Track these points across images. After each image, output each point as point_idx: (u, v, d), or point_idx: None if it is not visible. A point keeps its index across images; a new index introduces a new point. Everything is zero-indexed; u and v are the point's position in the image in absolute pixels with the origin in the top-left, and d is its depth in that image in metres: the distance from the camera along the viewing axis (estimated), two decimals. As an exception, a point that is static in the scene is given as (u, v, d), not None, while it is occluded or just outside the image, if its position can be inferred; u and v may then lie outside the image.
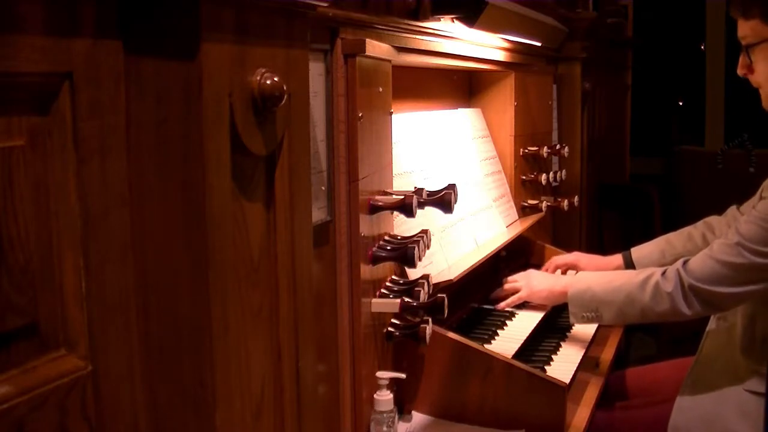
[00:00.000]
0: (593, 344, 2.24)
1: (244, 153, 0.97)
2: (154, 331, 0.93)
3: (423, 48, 1.82)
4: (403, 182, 1.83)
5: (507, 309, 2.21)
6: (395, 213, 1.68)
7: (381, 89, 1.60)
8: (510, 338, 2.02)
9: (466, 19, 1.93)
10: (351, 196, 1.49)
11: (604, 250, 3.81)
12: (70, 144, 0.83)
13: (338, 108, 1.46)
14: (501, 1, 2.06)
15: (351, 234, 1.49)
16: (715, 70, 4.97)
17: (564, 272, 2.46)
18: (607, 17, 3.88)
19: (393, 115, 1.69)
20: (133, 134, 0.90)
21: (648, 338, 4.11)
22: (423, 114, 2.13)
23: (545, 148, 2.67)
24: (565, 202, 2.75)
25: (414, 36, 1.77)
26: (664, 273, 1.93)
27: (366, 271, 1.54)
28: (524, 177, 2.62)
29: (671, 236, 2.40)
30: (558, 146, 2.79)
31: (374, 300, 1.58)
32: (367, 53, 1.46)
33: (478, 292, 2.29)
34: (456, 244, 2.03)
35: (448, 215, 1.76)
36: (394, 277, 1.70)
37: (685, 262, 1.91)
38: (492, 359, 1.71)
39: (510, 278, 2.30)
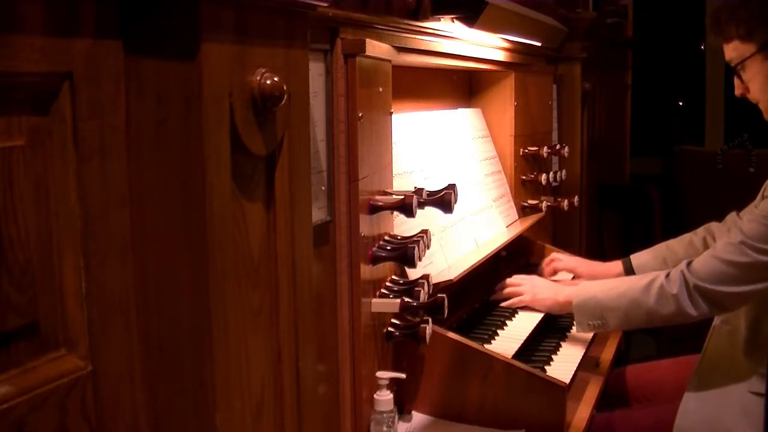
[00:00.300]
0: (593, 344, 2.24)
1: (244, 153, 0.97)
2: (154, 331, 0.93)
3: (423, 48, 1.82)
4: (403, 182, 1.83)
5: (507, 309, 2.21)
6: (395, 213, 1.68)
7: (381, 89, 1.60)
8: (510, 338, 2.02)
9: (466, 19, 1.93)
10: (351, 196, 1.49)
11: (604, 249, 3.82)
12: (70, 144, 0.83)
13: (338, 108, 1.46)
14: (501, 1, 2.06)
15: (351, 234, 1.49)
16: (715, 70, 4.97)
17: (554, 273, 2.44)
18: (607, 17, 3.88)
19: (393, 115, 1.69)
20: (133, 134, 0.90)
21: (648, 338, 4.11)
22: (423, 114, 2.13)
23: (545, 148, 2.67)
24: (565, 202, 2.75)
25: (414, 36, 1.77)
26: (667, 275, 1.92)
27: (366, 271, 1.54)
28: (524, 177, 2.62)
29: (671, 243, 2.39)
30: (558, 146, 2.79)
31: (374, 300, 1.58)
32: (367, 53, 1.46)
33: (478, 292, 2.29)
34: (456, 244, 2.03)
35: (448, 215, 1.76)
36: (394, 277, 1.70)
37: (688, 264, 1.91)
38: (492, 359, 1.71)
39: (513, 280, 2.28)
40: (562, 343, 2.17)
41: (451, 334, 1.73)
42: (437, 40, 1.88)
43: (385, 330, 1.64)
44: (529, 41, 2.55)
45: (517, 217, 2.54)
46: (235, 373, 0.97)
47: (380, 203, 1.58)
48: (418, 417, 1.73)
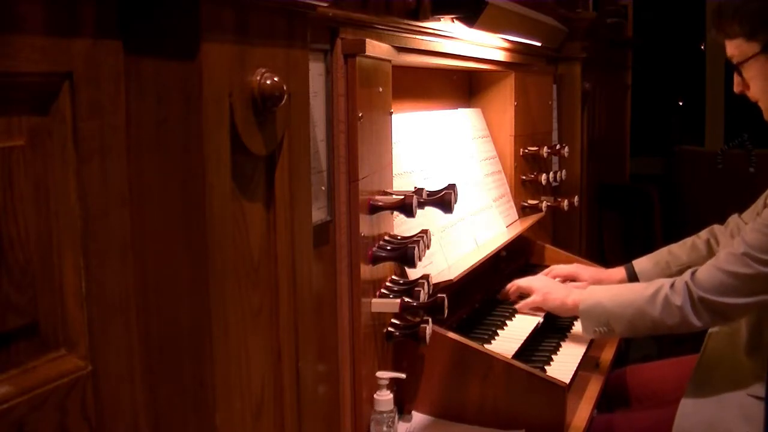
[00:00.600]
0: (593, 344, 2.24)
1: (244, 153, 0.97)
2: (154, 331, 0.93)
3: (423, 48, 1.82)
4: (403, 182, 1.83)
5: (507, 309, 2.21)
6: (395, 213, 1.68)
7: (381, 89, 1.60)
8: (510, 338, 2.02)
9: (466, 19, 1.93)
10: (351, 196, 1.49)
11: (604, 249, 3.82)
12: (70, 144, 0.83)
13: (338, 108, 1.46)
14: (501, 1, 2.06)
15: (351, 234, 1.49)
16: (715, 70, 4.97)
17: (563, 281, 2.42)
18: (607, 17, 3.88)
19: (393, 115, 1.69)
20: (133, 134, 0.90)
21: (648, 338, 4.10)
22: (423, 114, 2.13)
23: (545, 148, 2.66)
24: (565, 202, 2.75)
25: (414, 36, 1.77)
26: (672, 285, 1.91)
27: (366, 271, 1.54)
28: (524, 177, 2.62)
29: (673, 247, 2.37)
30: (558, 146, 2.79)
31: (374, 300, 1.58)
32: (367, 53, 1.46)
33: (478, 292, 2.29)
34: (456, 244, 2.03)
35: (448, 215, 1.76)
36: (394, 277, 1.70)
37: (693, 274, 1.90)
38: (492, 359, 1.71)
39: (522, 282, 2.26)
40: (562, 343, 2.17)
41: (451, 334, 1.73)
42: (437, 40, 1.88)
43: (385, 330, 1.64)
44: (529, 41, 2.55)
45: (517, 217, 2.54)
46: (235, 373, 0.97)
47: (380, 203, 1.58)
48: (418, 417, 1.73)
